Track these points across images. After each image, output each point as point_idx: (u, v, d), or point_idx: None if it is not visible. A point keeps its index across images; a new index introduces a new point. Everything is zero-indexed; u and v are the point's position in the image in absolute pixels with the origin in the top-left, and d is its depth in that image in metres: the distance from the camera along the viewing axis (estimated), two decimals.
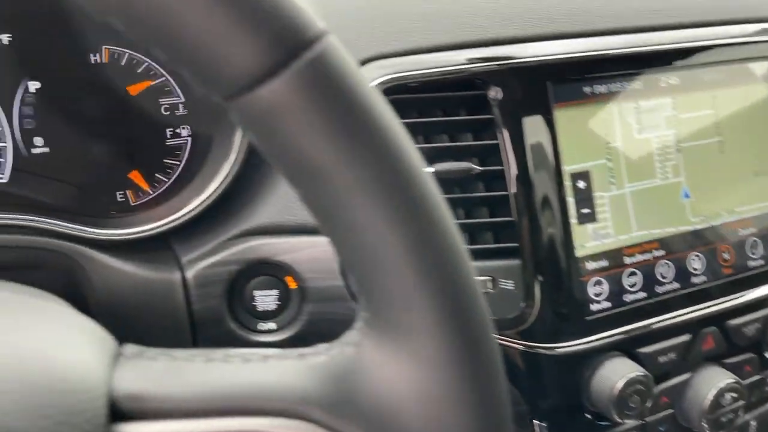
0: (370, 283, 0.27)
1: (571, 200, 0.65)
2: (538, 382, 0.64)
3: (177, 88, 0.78)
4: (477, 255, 0.63)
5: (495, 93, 0.64)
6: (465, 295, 0.27)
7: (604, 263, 0.66)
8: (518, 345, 0.63)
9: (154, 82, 0.78)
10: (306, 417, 0.27)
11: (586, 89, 0.67)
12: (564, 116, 0.65)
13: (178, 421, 0.27)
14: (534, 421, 0.64)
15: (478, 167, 0.64)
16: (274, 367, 0.28)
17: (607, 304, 0.66)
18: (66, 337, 0.30)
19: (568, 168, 0.65)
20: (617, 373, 0.62)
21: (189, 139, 0.79)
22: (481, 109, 0.65)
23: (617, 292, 0.67)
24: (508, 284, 0.63)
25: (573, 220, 0.65)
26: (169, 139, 0.79)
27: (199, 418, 0.27)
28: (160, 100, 0.77)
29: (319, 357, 0.28)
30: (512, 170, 0.64)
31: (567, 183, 0.65)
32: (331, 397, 0.27)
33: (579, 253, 0.65)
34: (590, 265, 0.66)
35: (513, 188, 0.64)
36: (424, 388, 0.27)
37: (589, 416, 0.65)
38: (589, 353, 0.64)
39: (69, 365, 0.28)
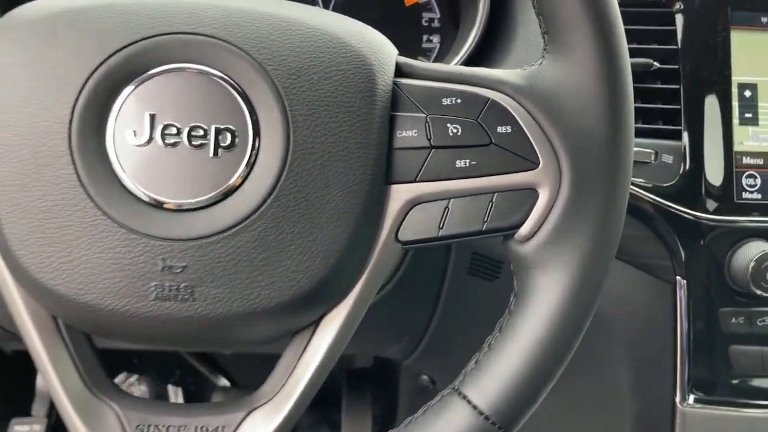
0: (555, 17, 0.44)
1: (735, 104, 0.71)
2: (685, 244, 0.70)
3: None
4: (646, 134, 0.70)
5: (679, 6, 0.71)
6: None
7: (759, 161, 0.70)
8: (669, 207, 0.70)
9: None
10: (503, 91, 0.44)
11: (764, 19, 0.72)
12: (738, 37, 0.71)
13: (433, 82, 0.45)
14: (677, 277, 0.70)
15: (657, 64, 0.71)
16: (493, 70, 0.46)
17: (757, 196, 0.70)
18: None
19: (736, 78, 0.71)
20: (758, 248, 0.67)
21: None
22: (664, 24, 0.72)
23: None
24: (669, 159, 0.70)
25: (735, 120, 0.71)
26: None
27: (446, 82, 0.45)
28: None
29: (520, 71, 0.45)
30: (687, 69, 0.71)
31: (734, 90, 0.71)
32: (520, 84, 0.44)
33: (737, 148, 0.71)
34: (746, 160, 0.70)
35: (685, 84, 0.70)
36: (579, 85, 0.43)
37: (726, 288, 0.70)
38: (731, 231, 0.69)
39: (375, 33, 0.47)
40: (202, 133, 0.42)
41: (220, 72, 0.42)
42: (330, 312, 0.45)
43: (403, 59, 0.46)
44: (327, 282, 0.43)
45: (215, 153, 0.42)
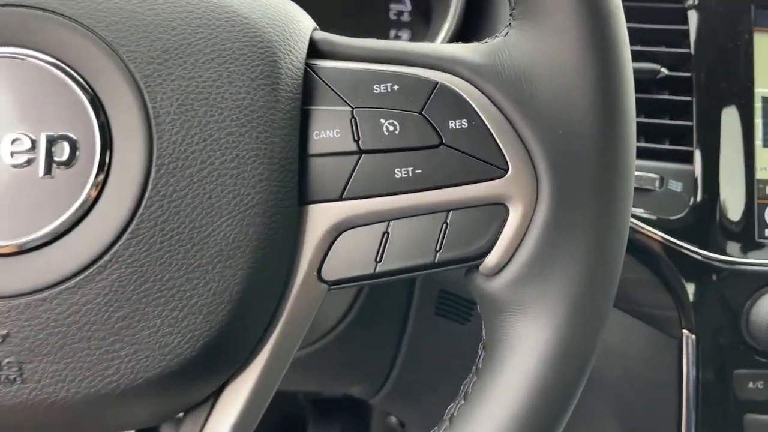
0: None
1: (759, 122, 0.67)
2: (694, 291, 0.67)
3: None
4: (650, 155, 0.67)
5: (693, 1, 0.68)
6: None
7: None
8: (676, 245, 0.66)
9: None
10: (456, 73, 0.38)
11: None
12: (763, 41, 0.68)
13: (361, 63, 0.38)
14: (684, 331, 0.66)
15: (665, 70, 0.67)
16: (441, 45, 0.40)
17: None
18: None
19: (760, 90, 0.68)
20: None
21: None
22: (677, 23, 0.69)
23: None
24: (677, 186, 0.67)
25: (758, 142, 0.67)
26: None
27: (378, 63, 0.38)
28: None
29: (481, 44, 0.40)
30: (701, 78, 0.67)
31: (757, 105, 0.67)
32: (479, 63, 0.38)
33: (759, 175, 0.67)
34: None
35: (698, 95, 0.66)
36: (557, 59, 0.37)
37: (743, 345, 0.66)
38: (750, 276, 0.65)
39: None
40: (28, 144, 0.34)
41: (52, 57, 0.35)
42: (232, 381, 0.38)
43: (322, 35, 0.39)
44: (218, 345, 0.36)
45: (47, 171, 0.34)
